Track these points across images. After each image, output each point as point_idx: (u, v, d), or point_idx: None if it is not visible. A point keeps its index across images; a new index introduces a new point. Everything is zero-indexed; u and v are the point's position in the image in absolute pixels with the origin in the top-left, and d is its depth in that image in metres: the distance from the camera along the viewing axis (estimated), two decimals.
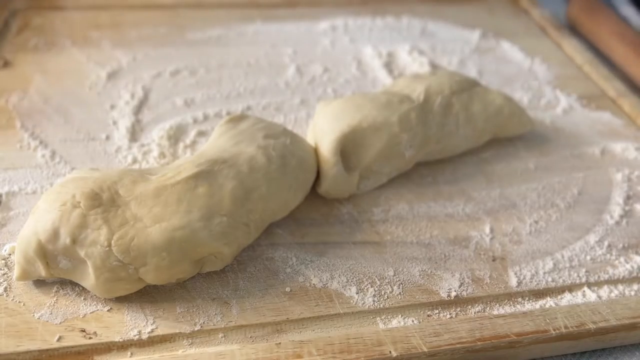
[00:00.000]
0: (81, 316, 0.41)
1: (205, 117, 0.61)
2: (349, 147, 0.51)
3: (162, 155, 0.55)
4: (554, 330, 0.43)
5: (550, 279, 0.48)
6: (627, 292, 0.48)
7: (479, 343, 0.42)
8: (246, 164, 0.46)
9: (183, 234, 0.41)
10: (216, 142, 0.49)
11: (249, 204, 0.45)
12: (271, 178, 0.46)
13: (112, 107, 0.61)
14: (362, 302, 0.44)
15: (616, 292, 0.48)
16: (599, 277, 0.49)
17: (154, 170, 0.46)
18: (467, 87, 0.59)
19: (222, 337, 0.41)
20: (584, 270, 0.49)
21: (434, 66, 0.74)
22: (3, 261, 0.44)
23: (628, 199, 0.57)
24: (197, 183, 0.43)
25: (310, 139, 0.54)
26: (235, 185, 0.44)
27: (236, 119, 0.52)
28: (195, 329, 0.41)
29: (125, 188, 0.42)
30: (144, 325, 0.41)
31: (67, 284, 0.42)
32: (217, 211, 0.43)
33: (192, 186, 0.43)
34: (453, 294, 0.46)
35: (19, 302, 0.41)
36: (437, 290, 0.46)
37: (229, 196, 0.44)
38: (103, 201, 0.41)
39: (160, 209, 0.41)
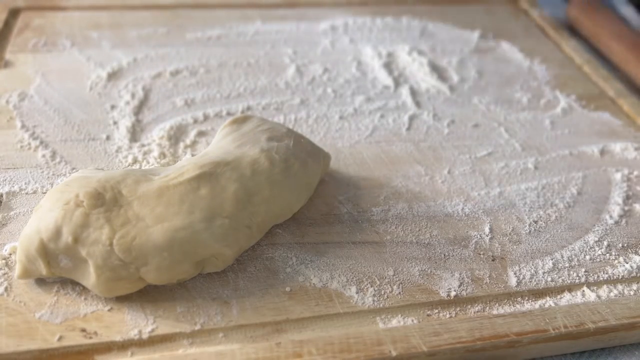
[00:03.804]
0: (82, 316, 0.41)
1: (206, 117, 0.61)
2: None
3: (162, 155, 0.55)
4: (554, 329, 0.43)
5: (549, 279, 0.48)
6: (626, 292, 0.48)
7: (478, 343, 0.42)
8: (249, 166, 0.46)
9: (185, 235, 0.41)
10: (219, 144, 0.49)
11: (251, 207, 0.45)
12: (274, 181, 0.46)
13: (113, 107, 0.61)
14: (362, 301, 0.44)
15: (615, 291, 0.48)
16: (598, 277, 0.49)
17: (157, 170, 0.46)
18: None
19: (222, 337, 0.41)
20: (583, 270, 0.49)
21: (433, 68, 0.74)
22: (4, 261, 0.44)
23: (627, 199, 0.57)
24: (199, 184, 0.43)
25: None
26: (237, 187, 0.44)
27: (240, 120, 0.52)
28: (196, 328, 0.41)
29: (128, 188, 0.42)
30: (145, 325, 0.41)
31: (67, 284, 0.43)
32: (219, 213, 0.43)
33: (195, 187, 0.43)
34: (453, 293, 0.46)
35: (20, 301, 0.41)
36: (436, 290, 0.46)
37: (231, 198, 0.44)
38: (106, 201, 0.41)
39: (162, 209, 0.42)
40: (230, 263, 0.44)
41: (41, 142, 0.56)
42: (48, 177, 0.52)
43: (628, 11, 0.91)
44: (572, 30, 0.89)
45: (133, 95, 0.63)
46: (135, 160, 0.55)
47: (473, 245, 0.50)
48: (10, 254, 0.44)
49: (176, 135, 0.58)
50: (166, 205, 0.42)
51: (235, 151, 0.48)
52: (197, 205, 0.42)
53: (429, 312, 0.44)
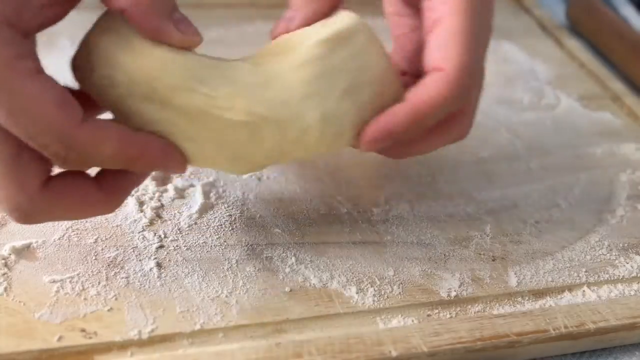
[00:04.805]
0: (81, 316, 0.41)
1: None
2: None
3: None
4: (554, 330, 0.43)
5: (550, 279, 0.48)
6: (627, 292, 0.48)
7: (478, 343, 0.42)
8: (296, 131, 0.39)
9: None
10: (296, 72, 0.40)
11: (279, 151, 0.40)
12: (311, 149, 0.41)
13: None
14: (362, 302, 0.44)
15: (616, 292, 0.48)
16: (598, 276, 0.49)
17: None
18: None
19: (222, 337, 0.41)
20: (584, 270, 0.49)
21: None
22: (3, 261, 0.44)
23: (628, 199, 0.57)
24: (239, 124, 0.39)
25: None
26: (273, 146, 0.40)
27: (339, 38, 0.42)
28: (195, 328, 0.41)
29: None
30: (144, 325, 0.41)
31: (67, 284, 0.43)
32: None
33: (230, 124, 0.39)
34: (453, 293, 0.46)
35: (19, 301, 0.41)
36: (437, 290, 0.46)
37: (261, 154, 0.40)
38: None
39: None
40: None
41: None
42: None
43: (629, 11, 0.91)
44: (573, 29, 0.89)
45: None
46: None
47: (474, 246, 0.50)
48: (10, 254, 0.44)
49: None
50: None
51: (296, 102, 0.39)
52: (229, 145, 0.39)
53: (429, 312, 0.44)
